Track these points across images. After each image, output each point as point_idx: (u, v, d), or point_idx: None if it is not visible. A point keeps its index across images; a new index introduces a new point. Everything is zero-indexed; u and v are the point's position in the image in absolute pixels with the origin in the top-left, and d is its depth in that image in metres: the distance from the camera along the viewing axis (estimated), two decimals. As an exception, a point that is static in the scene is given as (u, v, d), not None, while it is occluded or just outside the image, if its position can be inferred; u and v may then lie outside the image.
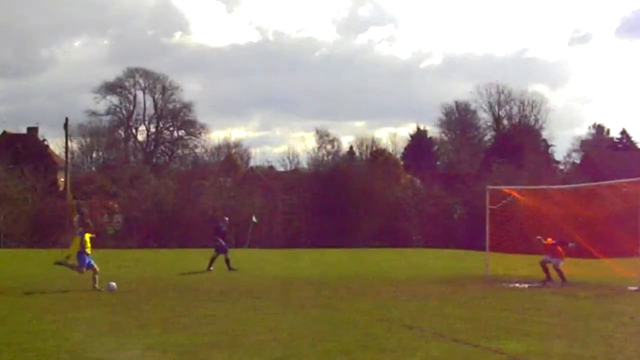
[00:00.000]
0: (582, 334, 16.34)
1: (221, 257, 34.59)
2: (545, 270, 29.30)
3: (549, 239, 29.81)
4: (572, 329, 17.16)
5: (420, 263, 42.86)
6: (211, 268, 34.08)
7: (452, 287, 27.62)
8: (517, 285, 28.32)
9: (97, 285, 25.59)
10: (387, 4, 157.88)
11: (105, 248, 51.65)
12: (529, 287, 27.87)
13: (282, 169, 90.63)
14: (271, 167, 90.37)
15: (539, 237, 30.10)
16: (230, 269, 34.10)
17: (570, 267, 30.73)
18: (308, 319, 18.74)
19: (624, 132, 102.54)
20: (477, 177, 72.81)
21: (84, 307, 21.25)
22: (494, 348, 14.34)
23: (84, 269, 26.12)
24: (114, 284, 25.56)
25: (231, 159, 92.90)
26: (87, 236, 26.63)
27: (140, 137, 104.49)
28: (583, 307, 22.10)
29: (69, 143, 77.87)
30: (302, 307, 21.34)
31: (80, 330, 16.75)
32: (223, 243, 34.80)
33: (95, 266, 26.14)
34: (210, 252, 35.12)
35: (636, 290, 26.23)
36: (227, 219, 37.16)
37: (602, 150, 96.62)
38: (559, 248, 29.48)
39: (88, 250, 26.36)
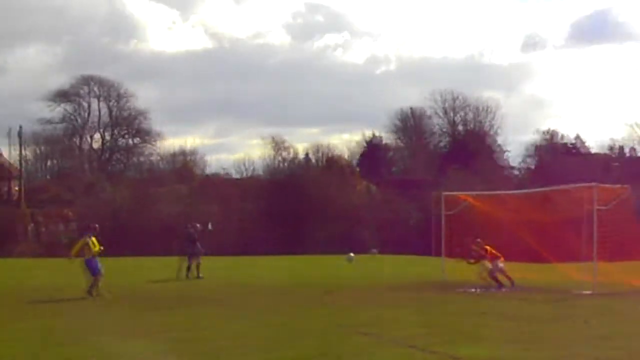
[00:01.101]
0: (537, 338, 16.47)
1: (194, 262, 34.68)
2: (494, 278, 29.52)
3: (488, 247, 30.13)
4: (527, 333, 17.29)
5: (376, 269, 42.90)
6: (201, 275, 34.16)
7: (408, 293, 27.74)
8: (472, 290, 28.48)
9: (93, 292, 25.62)
10: (341, 11, 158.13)
11: (61, 256, 51.34)
12: (484, 292, 28.06)
13: (238, 176, 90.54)
14: (227, 175, 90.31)
15: (478, 239, 30.33)
16: (187, 276, 34.06)
17: (525, 271, 31.00)
18: (265, 326, 18.75)
19: (577, 138, 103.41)
20: (432, 183, 73.11)
21: (39, 316, 21.17)
22: (450, 353, 14.42)
23: (100, 276, 26.10)
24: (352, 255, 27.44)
25: (187, 166, 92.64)
26: (94, 240, 26.54)
27: (95, 145, 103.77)
28: (538, 311, 22.27)
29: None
30: (259, 314, 21.37)
31: (34, 340, 16.66)
32: (192, 250, 34.90)
33: (101, 270, 26.20)
34: (173, 260, 35.26)
35: (590, 294, 26.47)
36: (198, 225, 37.10)
37: (556, 155, 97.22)
38: (493, 251, 29.82)
39: (93, 253, 26.21)
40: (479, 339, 16.37)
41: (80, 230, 28.03)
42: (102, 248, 27.00)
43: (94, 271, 26.08)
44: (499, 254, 29.94)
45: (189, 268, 34.50)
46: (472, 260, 30.22)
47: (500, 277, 29.60)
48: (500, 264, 29.79)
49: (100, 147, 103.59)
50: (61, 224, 69.95)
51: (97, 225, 28.15)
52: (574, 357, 14.37)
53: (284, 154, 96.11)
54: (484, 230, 32.80)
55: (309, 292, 28.13)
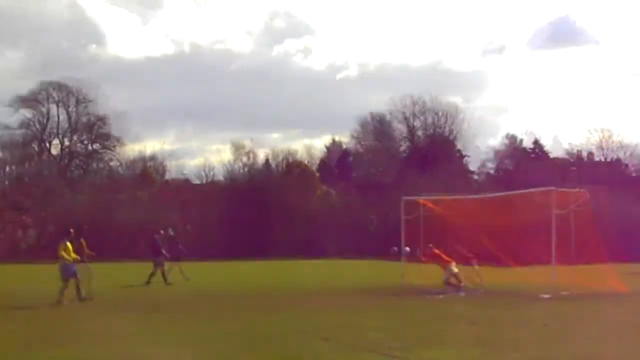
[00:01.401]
0: (497, 342, 16.52)
1: (159, 269, 34.55)
2: (449, 284, 29.67)
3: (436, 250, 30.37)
4: (487, 337, 17.33)
5: (336, 274, 42.95)
6: (149, 282, 33.88)
7: (368, 298, 27.74)
8: (432, 295, 28.52)
9: (84, 295, 25.72)
10: (302, 16, 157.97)
11: (19, 263, 51.04)
12: (444, 296, 28.10)
13: (197, 182, 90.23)
14: (187, 180, 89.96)
15: (430, 244, 30.52)
16: (147, 282, 33.86)
17: (486, 275, 31.11)
18: (224, 332, 18.65)
19: (536, 142, 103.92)
20: (392, 188, 73.13)
21: (3, 321, 20.99)
22: (411, 358, 14.41)
23: (71, 280, 26.01)
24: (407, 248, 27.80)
25: (146, 172, 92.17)
26: (69, 245, 26.44)
27: (54, 150, 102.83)
28: (497, 315, 22.34)
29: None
30: (218, 320, 21.27)
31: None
32: (160, 256, 34.75)
33: (79, 275, 26.08)
34: (135, 266, 35.08)
35: (549, 298, 26.60)
36: (163, 232, 36.99)
37: (516, 160, 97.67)
38: (443, 255, 30.04)
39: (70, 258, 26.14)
40: (439, 343, 16.39)
41: (59, 234, 27.98)
42: (79, 258, 26.99)
43: (67, 275, 25.96)
44: (449, 259, 30.08)
45: (152, 275, 34.29)
46: (423, 259, 30.60)
47: (453, 280, 29.74)
48: (454, 269, 29.91)
49: (60, 153, 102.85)
50: (19, 230, 69.48)
51: (71, 230, 28.07)
52: (533, 361, 14.43)
53: (244, 159, 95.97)
54: (444, 234, 32.90)
55: (268, 297, 28.07)
